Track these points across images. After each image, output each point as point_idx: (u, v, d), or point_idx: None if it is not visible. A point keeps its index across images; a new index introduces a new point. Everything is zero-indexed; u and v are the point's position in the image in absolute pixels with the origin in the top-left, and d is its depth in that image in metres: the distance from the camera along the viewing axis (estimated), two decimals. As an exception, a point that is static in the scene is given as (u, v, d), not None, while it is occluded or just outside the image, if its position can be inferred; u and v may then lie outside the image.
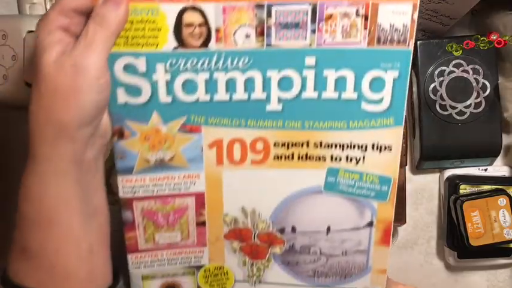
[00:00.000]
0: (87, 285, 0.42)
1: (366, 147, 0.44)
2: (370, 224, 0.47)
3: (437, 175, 0.66)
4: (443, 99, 0.61)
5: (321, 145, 0.44)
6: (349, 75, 0.42)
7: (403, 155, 0.61)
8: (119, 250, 0.47)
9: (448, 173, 0.65)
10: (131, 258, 0.48)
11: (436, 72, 0.60)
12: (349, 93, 0.42)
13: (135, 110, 0.42)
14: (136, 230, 0.47)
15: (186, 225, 0.47)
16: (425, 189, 0.67)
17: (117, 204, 0.46)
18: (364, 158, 0.44)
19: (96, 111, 0.39)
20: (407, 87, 0.42)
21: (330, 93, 0.42)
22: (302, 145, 0.44)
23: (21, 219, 0.40)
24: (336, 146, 0.44)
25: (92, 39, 0.37)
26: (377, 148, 0.44)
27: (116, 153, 0.44)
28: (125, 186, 0.45)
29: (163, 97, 0.42)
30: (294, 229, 0.48)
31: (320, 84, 0.42)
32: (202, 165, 0.45)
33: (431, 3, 0.55)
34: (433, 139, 0.61)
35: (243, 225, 0.47)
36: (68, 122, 0.38)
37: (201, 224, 0.47)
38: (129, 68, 0.40)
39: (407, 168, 0.65)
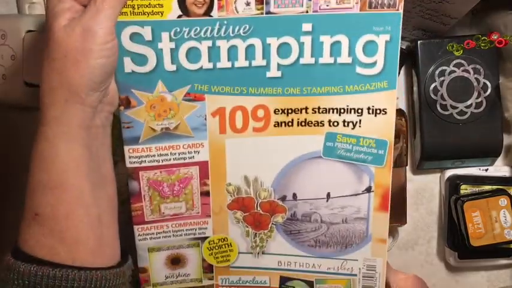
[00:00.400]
0: (96, 255, 0.42)
1: (362, 111, 0.46)
2: (369, 190, 0.49)
3: (438, 175, 0.67)
4: (444, 99, 0.61)
5: (318, 110, 0.46)
6: (344, 40, 0.44)
7: (404, 155, 0.61)
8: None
9: (449, 173, 0.65)
10: (138, 230, 0.49)
11: (437, 72, 0.61)
12: (344, 58, 0.45)
13: (141, 78, 0.44)
14: (143, 200, 0.48)
15: (190, 195, 0.48)
16: (425, 189, 0.67)
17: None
18: (360, 121, 0.46)
19: (104, 76, 0.41)
20: (399, 51, 0.44)
21: (326, 58, 0.45)
22: (301, 111, 0.46)
23: (33, 185, 0.41)
24: (333, 110, 0.46)
25: (101, 5, 0.39)
26: (372, 112, 0.46)
27: (123, 122, 0.45)
28: (132, 156, 0.46)
29: (168, 65, 0.44)
30: (295, 196, 0.49)
31: (317, 50, 0.44)
32: (205, 133, 0.47)
33: (432, 3, 0.56)
34: (434, 139, 0.62)
35: (246, 194, 0.49)
36: (79, 85, 0.40)
37: (205, 194, 0.49)
38: (135, 37, 0.43)
39: (407, 168, 0.64)
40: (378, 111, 0.46)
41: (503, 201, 0.61)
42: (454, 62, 0.61)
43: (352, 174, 0.48)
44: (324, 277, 0.51)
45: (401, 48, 0.62)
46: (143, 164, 0.47)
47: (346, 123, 0.47)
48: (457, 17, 0.58)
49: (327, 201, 0.49)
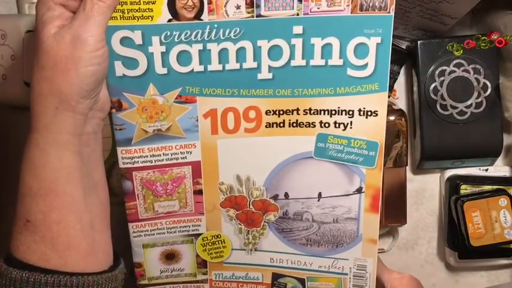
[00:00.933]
0: (88, 260, 0.42)
1: (353, 112, 0.46)
2: (360, 190, 0.49)
3: (438, 175, 0.67)
4: (444, 99, 0.61)
5: (310, 111, 0.46)
6: (335, 42, 0.44)
7: (404, 155, 0.61)
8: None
9: (449, 173, 0.65)
10: (132, 227, 0.50)
11: (437, 72, 0.61)
12: (335, 60, 0.45)
13: (133, 82, 0.44)
14: (137, 199, 0.49)
15: (183, 194, 0.49)
16: (426, 189, 0.67)
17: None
18: (351, 123, 0.47)
19: (95, 83, 0.41)
20: (390, 53, 0.44)
21: (317, 60, 0.45)
22: (292, 112, 0.46)
23: (24, 192, 0.41)
24: (324, 112, 0.46)
25: (90, 12, 0.39)
26: (363, 113, 0.46)
27: (115, 124, 0.46)
28: (125, 157, 0.47)
29: (159, 69, 0.44)
30: (287, 195, 0.50)
31: (308, 52, 0.44)
32: (197, 134, 0.47)
33: (432, 3, 0.56)
34: (434, 139, 0.62)
35: (238, 192, 0.49)
36: (69, 93, 0.39)
37: (198, 193, 0.49)
38: (125, 41, 0.43)
39: (408, 168, 0.64)
40: (369, 113, 0.46)
41: (503, 201, 0.61)
42: (454, 62, 0.60)
43: (343, 175, 0.49)
44: (315, 275, 0.52)
45: (401, 48, 0.62)
46: (136, 165, 0.47)
47: (337, 125, 0.47)
48: (457, 17, 0.57)
49: (318, 200, 0.50)
